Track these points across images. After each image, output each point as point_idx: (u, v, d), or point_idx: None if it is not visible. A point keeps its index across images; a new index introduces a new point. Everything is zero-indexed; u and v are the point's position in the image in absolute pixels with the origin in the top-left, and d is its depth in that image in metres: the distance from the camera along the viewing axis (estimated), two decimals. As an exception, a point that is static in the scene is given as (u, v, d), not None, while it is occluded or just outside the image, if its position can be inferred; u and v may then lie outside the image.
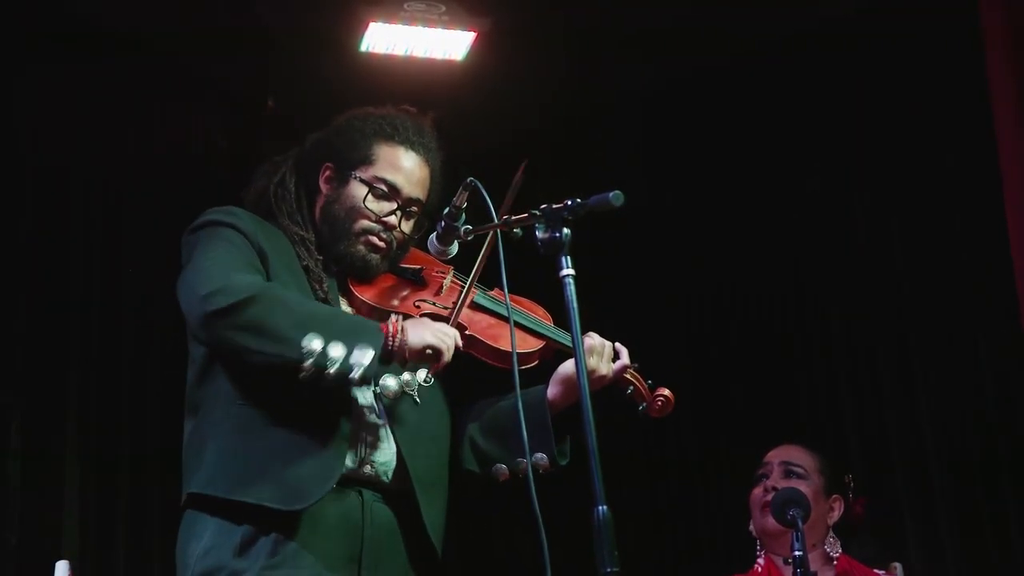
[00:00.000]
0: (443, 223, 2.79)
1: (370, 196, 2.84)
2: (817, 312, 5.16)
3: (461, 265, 2.91)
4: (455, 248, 2.83)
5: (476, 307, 2.88)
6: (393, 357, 2.62)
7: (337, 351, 2.51)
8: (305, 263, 2.80)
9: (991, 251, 4.43)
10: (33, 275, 4.63)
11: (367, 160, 2.87)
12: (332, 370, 2.51)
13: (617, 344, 2.90)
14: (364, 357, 2.53)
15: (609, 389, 2.90)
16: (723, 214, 5.46)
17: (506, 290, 2.67)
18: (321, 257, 2.83)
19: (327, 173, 2.90)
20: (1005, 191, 4.18)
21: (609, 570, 2.21)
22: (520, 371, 2.63)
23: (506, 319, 2.77)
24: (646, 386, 2.95)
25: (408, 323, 2.64)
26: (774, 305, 5.31)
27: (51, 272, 4.70)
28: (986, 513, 4.55)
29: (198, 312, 2.59)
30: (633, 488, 5.44)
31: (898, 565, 3.73)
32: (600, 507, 2.25)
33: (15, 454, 4.44)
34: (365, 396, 2.74)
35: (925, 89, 4.87)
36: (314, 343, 2.51)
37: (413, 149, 2.91)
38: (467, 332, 2.81)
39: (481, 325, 2.84)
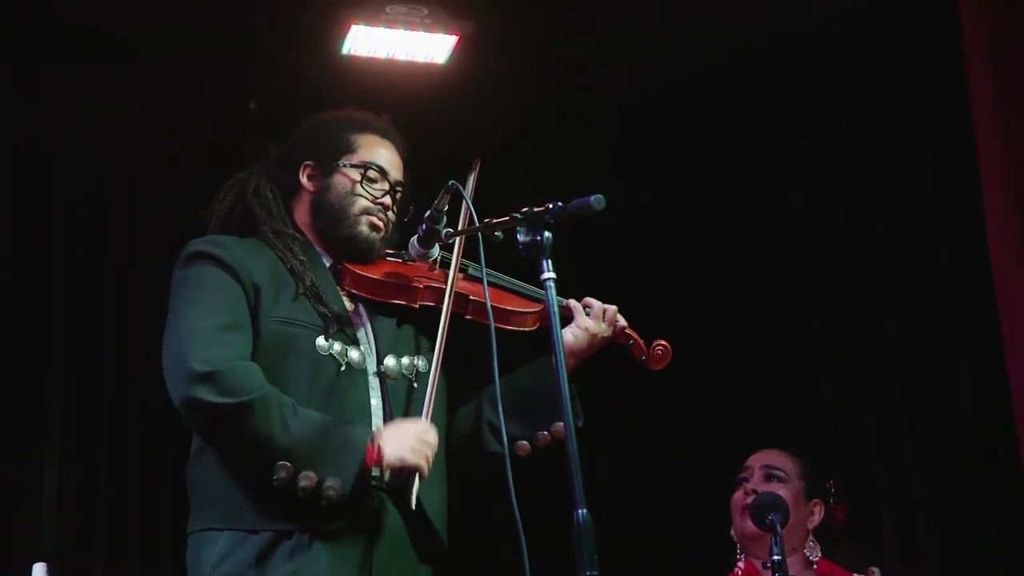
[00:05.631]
0: (424, 226, 2.81)
1: (364, 180, 2.88)
2: (799, 316, 5.17)
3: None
4: (436, 251, 2.88)
5: (472, 279, 2.93)
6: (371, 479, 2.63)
7: (307, 482, 2.53)
8: (289, 266, 2.79)
9: (972, 253, 4.44)
10: (13, 273, 4.61)
11: (350, 149, 2.92)
12: (300, 496, 2.54)
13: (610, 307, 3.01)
14: (334, 487, 2.54)
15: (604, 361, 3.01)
16: (704, 218, 5.47)
17: (487, 291, 2.69)
18: (304, 258, 2.82)
19: (308, 171, 2.92)
20: (984, 193, 4.20)
21: (589, 573, 2.21)
22: (520, 334, 2.84)
23: (502, 287, 2.94)
24: (642, 341, 3.08)
25: (386, 435, 2.64)
26: (756, 309, 5.31)
27: (32, 270, 4.68)
28: (965, 518, 4.56)
29: (182, 395, 2.58)
30: (614, 492, 5.44)
31: (876, 569, 3.74)
32: (580, 511, 2.25)
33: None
34: (373, 385, 2.77)
35: (906, 94, 4.89)
36: (282, 473, 2.53)
37: (387, 137, 2.97)
38: (471, 298, 2.86)
39: (481, 292, 2.86)
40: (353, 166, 2.89)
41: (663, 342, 3.10)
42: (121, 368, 4.82)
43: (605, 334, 2.98)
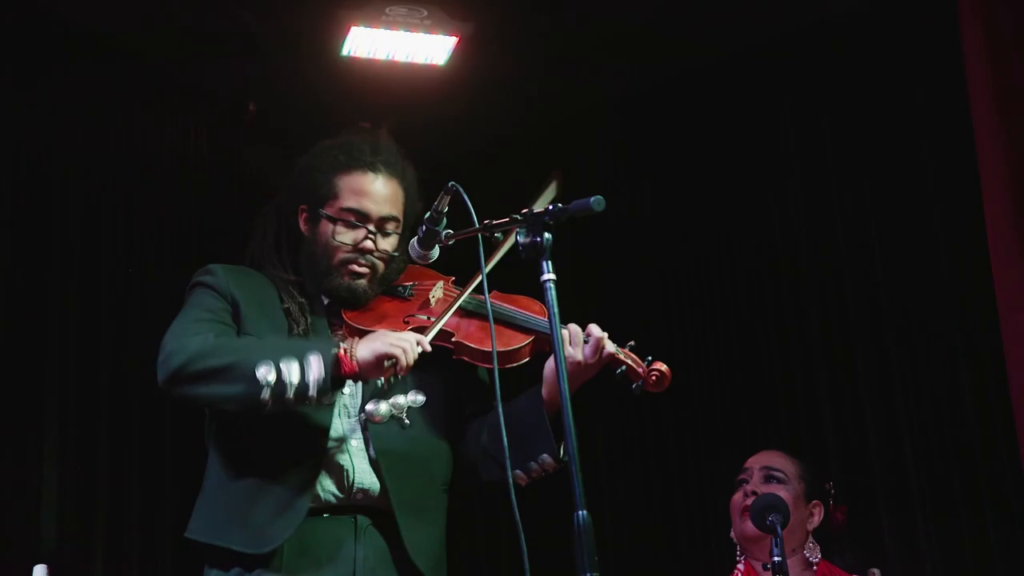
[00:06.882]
0: (424, 227, 2.81)
1: (340, 228, 2.90)
2: (799, 316, 5.16)
3: (456, 268, 2.95)
4: (436, 252, 2.85)
5: (465, 313, 2.89)
6: (350, 377, 2.66)
7: (290, 367, 2.58)
8: (287, 306, 2.87)
9: (972, 253, 4.45)
10: (12, 276, 4.60)
11: (331, 195, 2.93)
12: (290, 394, 2.57)
13: (590, 326, 2.84)
14: (316, 364, 2.59)
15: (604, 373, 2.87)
16: (703, 218, 5.47)
17: (487, 294, 2.69)
18: (304, 300, 2.90)
19: (304, 215, 2.98)
20: (984, 193, 4.20)
21: (589, 574, 2.21)
22: (514, 368, 2.75)
23: (494, 320, 2.78)
24: (642, 363, 2.85)
25: (359, 341, 2.68)
26: (756, 309, 5.31)
27: (32, 270, 4.68)
28: (965, 518, 4.56)
29: (159, 378, 2.72)
30: (613, 493, 5.44)
31: (876, 570, 3.74)
32: (580, 512, 2.25)
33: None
34: (350, 422, 2.78)
35: (906, 95, 4.90)
36: (267, 371, 2.57)
37: (373, 170, 2.95)
38: (453, 339, 2.83)
39: (468, 330, 2.85)
40: (330, 216, 2.92)
41: (662, 367, 2.84)
42: (121, 368, 4.81)
43: (581, 359, 2.78)
